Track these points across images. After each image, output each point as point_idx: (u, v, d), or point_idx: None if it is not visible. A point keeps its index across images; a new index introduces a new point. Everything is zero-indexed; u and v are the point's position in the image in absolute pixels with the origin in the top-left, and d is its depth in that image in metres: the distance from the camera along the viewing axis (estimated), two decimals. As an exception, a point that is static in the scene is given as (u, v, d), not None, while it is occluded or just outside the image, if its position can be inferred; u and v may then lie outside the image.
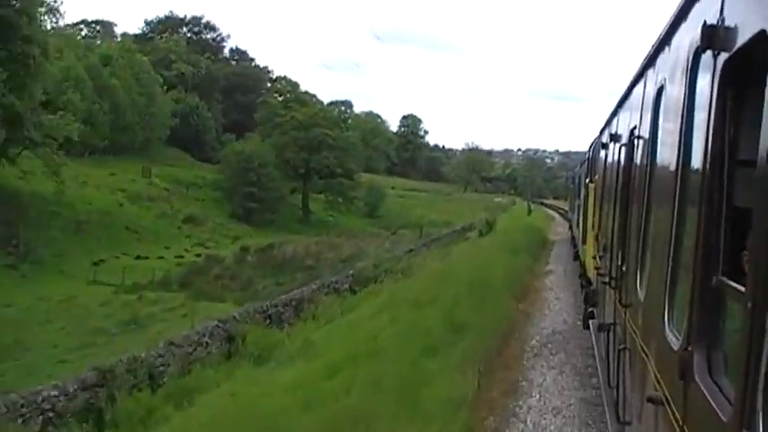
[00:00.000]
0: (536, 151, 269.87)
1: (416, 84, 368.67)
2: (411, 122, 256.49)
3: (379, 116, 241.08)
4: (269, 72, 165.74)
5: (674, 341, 4.60)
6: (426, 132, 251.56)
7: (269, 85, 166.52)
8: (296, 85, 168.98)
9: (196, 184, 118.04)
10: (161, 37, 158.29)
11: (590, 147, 24.12)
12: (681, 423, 4.14)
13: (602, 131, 16.47)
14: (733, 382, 3.17)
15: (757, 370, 2.64)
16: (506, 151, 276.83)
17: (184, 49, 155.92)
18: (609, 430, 10.08)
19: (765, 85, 2.75)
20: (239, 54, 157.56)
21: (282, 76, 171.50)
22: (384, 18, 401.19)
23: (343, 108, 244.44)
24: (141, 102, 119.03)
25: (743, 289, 3.06)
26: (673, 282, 4.99)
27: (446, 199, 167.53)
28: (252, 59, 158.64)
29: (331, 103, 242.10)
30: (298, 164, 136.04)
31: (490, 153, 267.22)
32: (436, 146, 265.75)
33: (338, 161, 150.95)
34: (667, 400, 4.64)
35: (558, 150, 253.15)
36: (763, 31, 2.89)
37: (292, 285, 56.47)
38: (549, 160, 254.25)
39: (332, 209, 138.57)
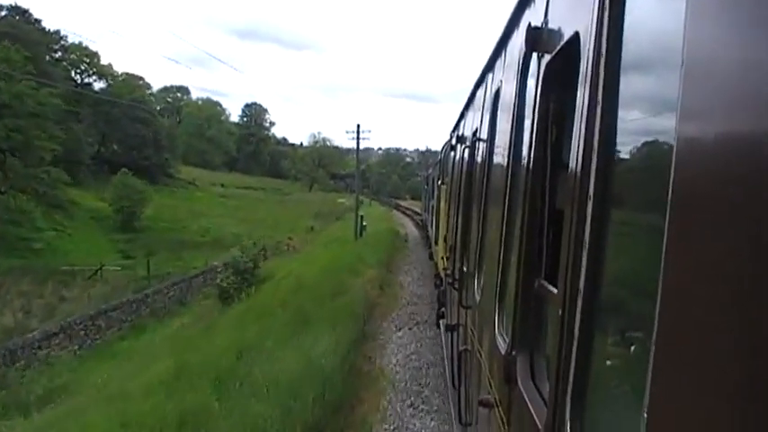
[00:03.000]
0: (397, 149, 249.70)
1: (274, 82, 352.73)
2: (255, 112, 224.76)
3: (218, 104, 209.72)
4: (62, 38, 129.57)
5: (502, 345, 4.67)
6: (272, 124, 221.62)
7: (58, 54, 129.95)
8: (93, 55, 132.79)
9: None
10: None
11: (442, 148, 25.16)
12: (506, 427, 4.25)
13: (452, 133, 16.57)
14: (549, 387, 3.17)
15: (567, 374, 2.69)
16: (366, 150, 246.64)
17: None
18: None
19: (577, 84, 2.91)
20: (18, 13, 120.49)
21: (78, 43, 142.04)
22: (240, 15, 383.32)
23: (179, 95, 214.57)
24: None
25: (556, 291, 3.14)
26: (502, 285, 5.09)
27: (280, 200, 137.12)
28: (37, 20, 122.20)
29: (164, 89, 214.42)
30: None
31: (347, 151, 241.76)
32: (285, 140, 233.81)
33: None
34: (497, 402, 4.79)
35: (418, 149, 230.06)
36: (577, 33, 3.03)
37: None
38: (409, 159, 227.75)
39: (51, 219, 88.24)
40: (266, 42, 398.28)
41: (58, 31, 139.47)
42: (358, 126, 53.54)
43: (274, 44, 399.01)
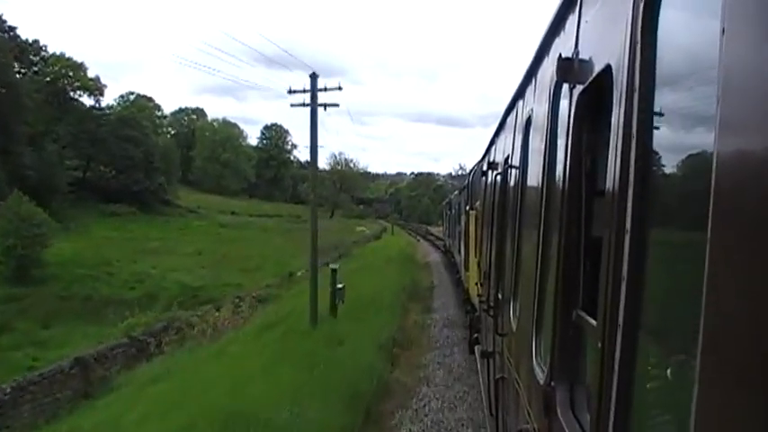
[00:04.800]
0: (428, 174, 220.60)
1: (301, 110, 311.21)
2: (275, 134, 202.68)
3: (236, 126, 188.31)
4: (41, 48, 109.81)
5: (540, 375, 4.60)
6: (294, 146, 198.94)
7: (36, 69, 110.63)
8: (77, 67, 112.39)
9: None
10: None
11: (470, 173, 25.32)
12: None
13: (482, 158, 16.65)
14: (590, 419, 3.15)
15: (608, 407, 2.67)
16: (398, 174, 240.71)
17: None
18: None
19: (610, 118, 2.91)
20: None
21: (61, 54, 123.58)
22: (267, 43, 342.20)
23: (194, 117, 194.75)
24: None
25: (595, 324, 3.07)
26: (539, 314, 4.96)
27: (289, 229, 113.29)
28: (11, 28, 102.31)
29: (179, 111, 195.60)
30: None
31: (378, 176, 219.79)
32: (309, 163, 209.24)
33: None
34: None
35: (450, 174, 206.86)
36: (609, 66, 3.01)
37: None
38: (440, 182, 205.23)
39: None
40: (295, 70, 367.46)
41: (36, 41, 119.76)
42: (313, 75, 28.03)
43: (302, 71, 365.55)
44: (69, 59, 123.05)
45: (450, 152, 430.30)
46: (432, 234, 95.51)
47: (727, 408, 1.64)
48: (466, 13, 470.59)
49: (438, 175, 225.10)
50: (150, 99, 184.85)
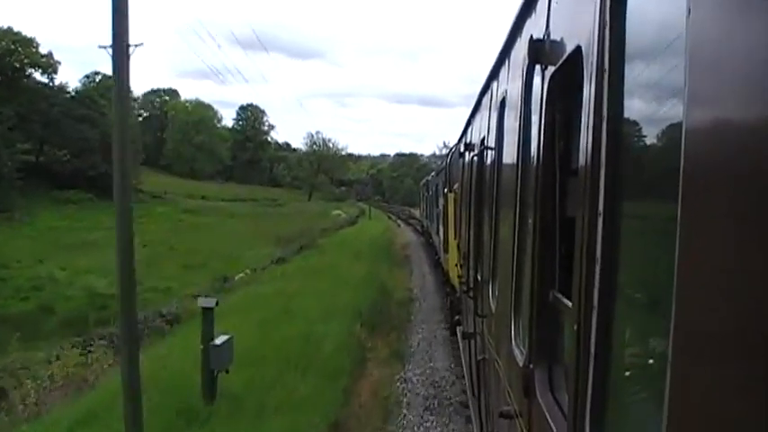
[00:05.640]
0: (411, 154, 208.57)
1: (282, 91, 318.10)
2: (251, 115, 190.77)
3: (210, 107, 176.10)
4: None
5: (519, 356, 4.58)
6: (272, 127, 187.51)
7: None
8: (27, 42, 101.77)
9: None
10: None
11: (448, 154, 25.02)
12: None
13: (459, 140, 16.16)
14: (569, 400, 3.11)
15: (586, 387, 2.66)
16: (382, 156, 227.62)
17: None
18: None
19: (581, 98, 2.92)
20: None
21: (8, 28, 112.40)
22: (243, 26, 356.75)
23: (167, 98, 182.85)
24: None
25: (571, 305, 3.08)
26: (517, 295, 4.95)
27: (262, 213, 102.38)
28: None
29: (151, 93, 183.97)
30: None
31: (361, 158, 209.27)
32: (288, 145, 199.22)
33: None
34: (516, 414, 4.66)
35: (434, 153, 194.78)
36: (579, 48, 3.03)
37: None
38: (424, 162, 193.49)
39: None
40: (272, 52, 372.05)
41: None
42: None
43: (280, 53, 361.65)
44: (18, 34, 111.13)
45: (434, 133, 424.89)
46: (414, 218, 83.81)
47: (700, 385, 1.65)
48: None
49: (422, 156, 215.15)
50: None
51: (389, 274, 34.16)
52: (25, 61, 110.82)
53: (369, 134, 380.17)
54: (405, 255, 48.20)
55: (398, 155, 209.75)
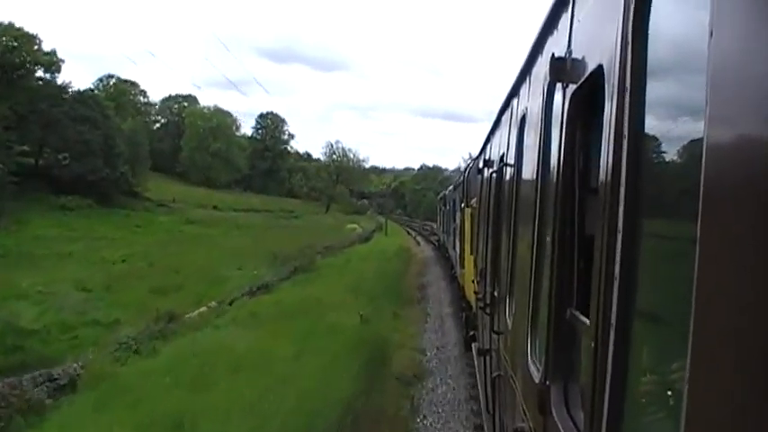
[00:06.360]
0: (435, 168, 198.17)
1: (307, 103, 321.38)
2: (271, 123, 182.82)
3: (229, 113, 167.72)
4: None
5: (536, 373, 4.52)
6: (291, 136, 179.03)
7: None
8: (29, 37, 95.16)
9: None
10: None
11: (465, 169, 25.00)
12: None
13: (478, 155, 16.01)
14: (585, 417, 3.15)
15: (602, 405, 2.65)
16: (406, 170, 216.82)
17: None
18: None
19: (602, 117, 2.92)
20: None
21: (10, 23, 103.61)
22: (269, 37, 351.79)
23: (185, 104, 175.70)
24: None
25: (589, 323, 3.05)
26: (534, 312, 4.91)
27: (273, 226, 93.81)
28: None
29: (168, 99, 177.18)
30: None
31: (384, 170, 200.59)
32: (308, 155, 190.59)
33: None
34: (532, 431, 4.67)
35: (459, 168, 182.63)
36: (601, 66, 3.03)
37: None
38: (449, 174, 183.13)
39: None
40: (297, 64, 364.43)
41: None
42: None
43: (306, 65, 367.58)
44: (20, 30, 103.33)
45: (458, 148, 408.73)
46: (437, 234, 71.33)
47: (718, 406, 1.63)
48: (473, 8, 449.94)
49: (446, 169, 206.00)
50: (134, 84, 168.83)
51: (394, 321, 24.06)
52: (27, 59, 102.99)
53: (393, 147, 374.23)
54: (420, 285, 36.96)
55: (422, 168, 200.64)
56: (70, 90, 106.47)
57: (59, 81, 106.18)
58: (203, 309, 31.00)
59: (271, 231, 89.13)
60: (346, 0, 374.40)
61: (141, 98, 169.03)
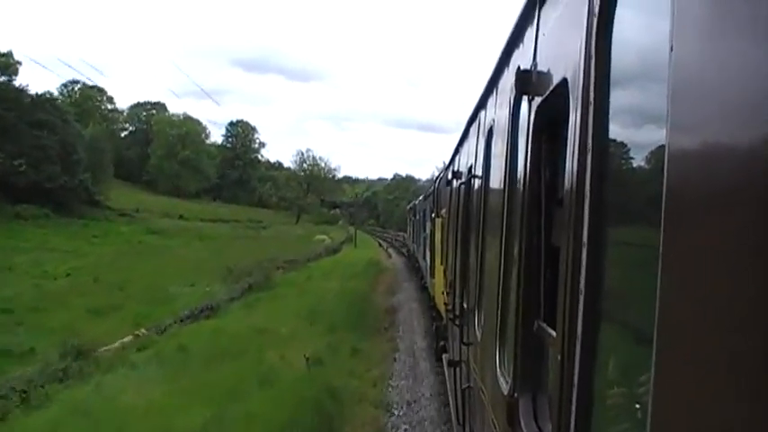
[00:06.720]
0: (408, 177, 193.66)
1: (281, 113, 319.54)
2: (241, 131, 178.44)
3: (198, 121, 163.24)
4: None
5: (504, 385, 4.46)
6: (262, 145, 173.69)
7: None
8: None
9: None
10: None
11: (435, 180, 24.97)
12: None
13: (448, 166, 15.54)
14: (552, 430, 3.14)
15: (569, 418, 2.64)
16: (380, 180, 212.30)
17: None
18: None
19: (567, 129, 2.92)
20: None
21: None
22: (243, 47, 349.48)
23: (153, 112, 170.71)
24: None
25: (555, 335, 3.05)
26: (502, 324, 4.85)
27: (237, 236, 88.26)
28: None
29: (137, 106, 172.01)
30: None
31: (358, 180, 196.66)
32: (279, 164, 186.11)
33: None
34: None
35: (431, 178, 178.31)
36: (565, 80, 3.04)
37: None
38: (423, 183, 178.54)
39: None
40: (272, 74, 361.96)
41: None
42: None
43: (280, 75, 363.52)
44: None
45: (432, 158, 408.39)
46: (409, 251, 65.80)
47: (683, 416, 1.63)
48: (449, 19, 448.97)
49: (419, 180, 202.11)
50: (101, 90, 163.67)
51: (353, 360, 19.13)
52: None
53: (367, 158, 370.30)
54: (389, 307, 31.57)
55: (395, 177, 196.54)
56: (28, 94, 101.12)
57: (17, 84, 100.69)
58: (129, 338, 26.14)
59: (235, 243, 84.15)
60: (323, 11, 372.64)
61: (108, 105, 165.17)
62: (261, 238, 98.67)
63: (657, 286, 1.73)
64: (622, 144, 2.64)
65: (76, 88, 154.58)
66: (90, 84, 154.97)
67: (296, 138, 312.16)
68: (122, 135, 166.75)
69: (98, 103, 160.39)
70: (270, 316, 24.98)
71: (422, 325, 25.71)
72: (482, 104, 7.42)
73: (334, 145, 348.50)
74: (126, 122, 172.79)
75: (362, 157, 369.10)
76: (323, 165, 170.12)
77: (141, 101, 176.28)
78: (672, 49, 1.74)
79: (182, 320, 29.52)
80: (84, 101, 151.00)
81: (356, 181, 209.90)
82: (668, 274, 1.70)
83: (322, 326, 22.71)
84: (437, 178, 22.99)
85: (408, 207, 52.99)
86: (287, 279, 41.39)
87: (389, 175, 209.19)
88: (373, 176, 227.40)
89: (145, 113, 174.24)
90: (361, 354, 19.94)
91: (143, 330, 27.58)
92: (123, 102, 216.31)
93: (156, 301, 38.34)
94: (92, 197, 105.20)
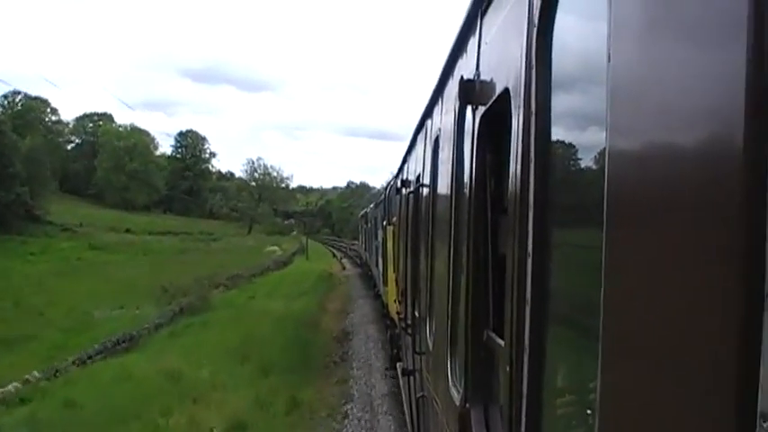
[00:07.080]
0: (362, 185, 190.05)
1: (233, 124, 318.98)
2: (191, 142, 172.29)
3: (147, 132, 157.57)
4: None
5: (456, 396, 4.43)
6: (213, 155, 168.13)
7: None
8: None
9: None
10: None
11: (386, 188, 24.70)
12: None
13: (397, 174, 15.90)
14: None
15: (519, 428, 2.63)
16: (334, 189, 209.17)
17: None
18: None
19: (510, 138, 2.92)
20: None
21: None
22: (192, 58, 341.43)
23: (100, 123, 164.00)
24: None
25: (504, 344, 3.03)
26: (453, 333, 4.80)
27: (184, 248, 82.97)
28: None
29: (83, 117, 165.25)
30: None
31: (311, 190, 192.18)
32: (231, 174, 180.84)
33: None
34: None
35: (384, 185, 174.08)
36: (507, 90, 3.04)
37: None
38: (378, 190, 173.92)
39: None
40: (223, 84, 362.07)
41: None
42: None
43: (231, 86, 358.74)
44: None
45: (386, 166, 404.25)
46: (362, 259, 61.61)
47: (629, 424, 1.64)
48: (398, 28, 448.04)
49: (374, 187, 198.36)
50: (44, 101, 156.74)
51: (289, 419, 14.44)
52: None
53: (321, 166, 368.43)
54: (341, 332, 27.17)
55: (349, 185, 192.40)
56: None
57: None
58: (13, 385, 21.41)
59: (181, 257, 79.24)
60: (272, 22, 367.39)
61: (53, 116, 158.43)
62: (210, 250, 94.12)
63: (601, 290, 1.71)
64: (565, 151, 2.62)
65: (17, 99, 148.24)
66: (32, 95, 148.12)
67: (249, 148, 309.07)
68: (68, 147, 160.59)
69: (42, 115, 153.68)
70: (194, 351, 20.84)
71: (380, 357, 21.18)
72: (428, 113, 7.42)
73: (288, 154, 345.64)
74: (72, 134, 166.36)
75: (316, 166, 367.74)
76: (275, 174, 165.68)
77: (88, 112, 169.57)
78: (609, 59, 1.75)
79: (89, 357, 24.97)
80: (27, 112, 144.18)
81: (310, 190, 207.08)
82: (610, 278, 1.69)
83: (255, 364, 18.49)
84: (388, 185, 22.86)
85: (360, 214, 52.42)
86: (226, 299, 37.10)
87: (344, 184, 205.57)
88: (327, 185, 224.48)
89: (91, 125, 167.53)
90: (301, 406, 15.65)
91: (35, 373, 22.85)
92: (71, 114, 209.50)
93: (77, 327, 33.82)
94: (31, 212, 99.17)
